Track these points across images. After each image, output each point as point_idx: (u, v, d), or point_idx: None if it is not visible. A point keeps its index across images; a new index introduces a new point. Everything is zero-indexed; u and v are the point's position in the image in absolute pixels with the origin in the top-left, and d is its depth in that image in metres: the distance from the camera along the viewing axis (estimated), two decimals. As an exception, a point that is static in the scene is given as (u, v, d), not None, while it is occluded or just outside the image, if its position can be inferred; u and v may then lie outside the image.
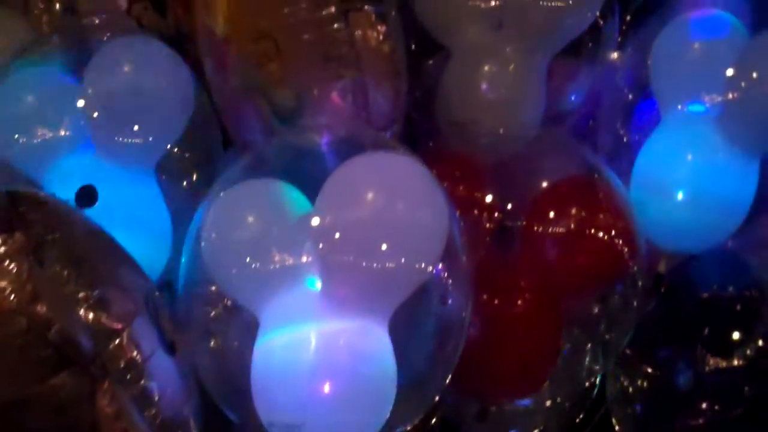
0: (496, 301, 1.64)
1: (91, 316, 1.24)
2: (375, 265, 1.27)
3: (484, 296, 1.64)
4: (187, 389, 1.36)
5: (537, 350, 1.64)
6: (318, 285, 1.31)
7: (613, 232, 1.60)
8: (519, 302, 1.64)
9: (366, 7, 1.43)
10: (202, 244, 1.38)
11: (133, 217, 1.58)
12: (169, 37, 1.77)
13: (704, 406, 1.72)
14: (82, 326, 1.20)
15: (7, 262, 1.20)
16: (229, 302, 1.40)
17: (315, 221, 1.30)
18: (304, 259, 1.31)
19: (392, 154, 1.38)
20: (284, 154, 1.44)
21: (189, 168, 1.63)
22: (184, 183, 1.64)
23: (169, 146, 1.61)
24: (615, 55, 1.88)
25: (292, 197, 1.36)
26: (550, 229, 1.63)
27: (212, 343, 1.40)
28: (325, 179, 1.32)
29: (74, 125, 1.59)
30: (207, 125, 1.61)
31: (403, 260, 1.28)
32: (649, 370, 1.78)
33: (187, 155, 1.63)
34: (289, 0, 1.44)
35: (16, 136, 1.57)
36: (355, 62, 1.43)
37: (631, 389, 1.78)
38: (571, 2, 1.66)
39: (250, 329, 1.35)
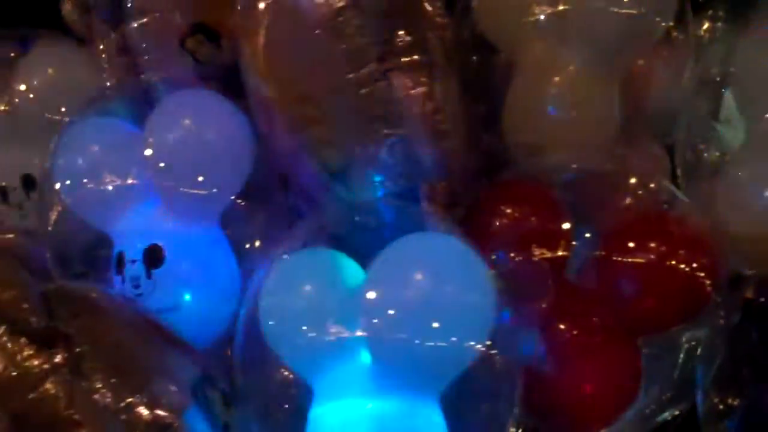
0: (574, 332, 1.68)
1: (139, 418, 1.39)
2: (426, 343, 1.37)
3: (561, 327, 1.68)
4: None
5: (612, 384, 1.68)
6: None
7: (695, 266, 1.63)
8: (595, 334, 1.66)
9: (407, 66, 1.44)
10: (260, 309, 1.52)
11: (202, 271, 1.72)
12: (228, 67, 1.83)
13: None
14: None
15: (52, 378, 1.39)
16: (285, 372, 1.51)
17: (369, 296, 1.42)
18: (359, 333, 1.42)
19: (441, 234, 1.50)
20: (341, 223, 1.56)
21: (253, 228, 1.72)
22: (247, 245, 1.74)
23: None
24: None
25: (348, 267, 1.50)
26: (628, 262, 1.67)
27: (270, 412, 1.51)
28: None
29: (141, 175, 1.73)
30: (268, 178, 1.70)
31: (453, 339, 1.39)
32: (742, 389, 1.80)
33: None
34: (327, 63, 1.53)
35: (85, 180, 1.74)
36: (398, 121, 1.47)
37: (722, 406, 1.82)
38: (643, 9, 1.66)
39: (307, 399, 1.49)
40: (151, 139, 1.72)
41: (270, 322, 1.52)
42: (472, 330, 1.42)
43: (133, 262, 1.70)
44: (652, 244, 1.69)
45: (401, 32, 1.52)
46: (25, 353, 1.38)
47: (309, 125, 1.57)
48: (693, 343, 1.78)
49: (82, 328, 1.40)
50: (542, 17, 1.72)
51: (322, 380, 1.49)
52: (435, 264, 1.44)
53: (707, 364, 1.79)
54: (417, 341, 1.40)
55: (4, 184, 2.03)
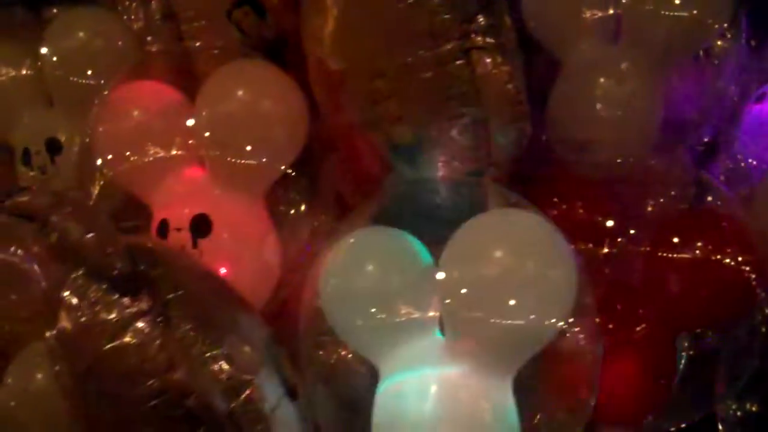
0: (610, 326, 1.69)
1: (221, 372, 1.36)
2: (503, 321, 1.36)
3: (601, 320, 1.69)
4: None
5: (648, 380, 1.73)
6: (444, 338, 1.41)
7: (742, 265, 1.66)
8: (635, 330, 1.68)
9: (489, 46, 1.44)
10: (324, 290, 1.48)
11: (247, 243, 1.69)
12: (270, 41, 1.82)
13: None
14: (215, 385, 1.31)
15: (136, 325, 1.33)
16: (344, 351, 1.48)
17: (443, 276, 1.40)
18: (431, 313, 1.40)
19: (520, 211, 1.47)
20: (408, 204, 1.53)
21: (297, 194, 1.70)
22: (292, 211, 1.71)
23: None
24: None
25: (416, 248, 1.46)
26: (675, 257, 1.69)
27: (332, 387, 1.49)
28: (446, 231, 1.43)
29: (185, 144, 1.70)
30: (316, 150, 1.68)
31: (531, 317, 1.37)
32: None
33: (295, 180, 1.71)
34: (406, 38, 1.52)
35: (128, 153, 1.69)
36: (476, 100, 1.48)
37: (740, 413, 1.87)
38: (695, 12, 1.66)
39: (370, 375, 1.46)
40: (205, 109, 1.69)
41: (335, 304, 1.50)
42: (551, 307, 1.40)
43: (179, 230, 1.66)
44: (699, 240, 1.71)
45: (482, 13, 1.50)
46: (105, 301, 1.34)
47: (380, 101, 1.55)
48: (692, 351, 1.80)
49: (166, 277, 1.36)
50: (594, 18, 1.72)
51: (389, 360, 1.46)
52: (516, 240, 1.43)
53: (735, 368, 1.81)
54: (493, 319, 1.37)
55: (26, 146, 1.94)
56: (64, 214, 1.34)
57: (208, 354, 1.35)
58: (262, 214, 1.73)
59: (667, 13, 1.71)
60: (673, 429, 1.99)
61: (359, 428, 1.47)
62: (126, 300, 1.34)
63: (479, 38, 1.51)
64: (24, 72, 2.01)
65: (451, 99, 1.54)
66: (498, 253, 1.42)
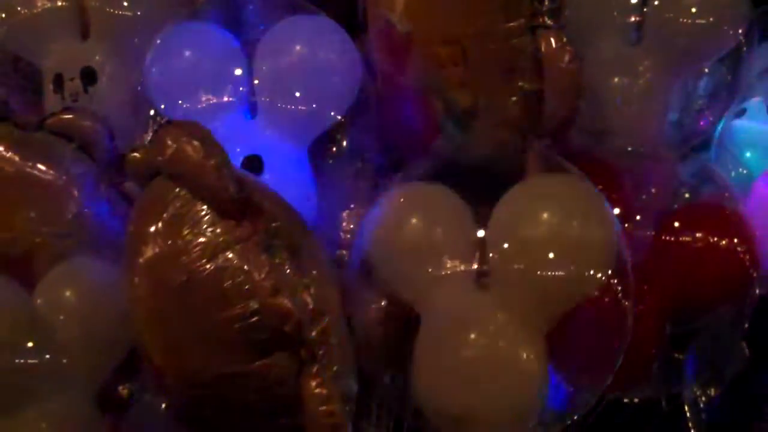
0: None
1: (306, 302, 1.43)
2: (545, 272, 1.50)
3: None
4: (354, 369, 1.57)
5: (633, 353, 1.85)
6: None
7: (742, 256, 1.86)
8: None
9: (554, 27, 1.58)
10: (373, 240, 1.61)
11: (292, 188, 1.73)
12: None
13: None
14: (306, 313, 1.38)
15: (234, 249, 1.38)
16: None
17: (483, 233, 1.54)
18: (474, 266, 1.53)
19: (565, 175, 1.62)
20: (454, 165, 1.66)
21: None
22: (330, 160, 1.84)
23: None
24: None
25: (460, 205, 1.60)
26: (680, 244, 1.88)
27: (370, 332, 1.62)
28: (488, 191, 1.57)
29: (236, 91, 1.76)
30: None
31: (572, 269, 1.52)
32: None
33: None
34: (482, 8, 1.63)
35: (180, 101, 1.76)
36: (536, 76, 1.61)
37: (704, 398, 2.06)
38: (711, 19, 1.85)
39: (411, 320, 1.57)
40: (266, 58, 1.76)
41: (383, 254, 1.61)
42: (591, 262, 1.54)
43: (230, 168, 1.70)
44: (701, 226, 1.91)
45: (548, -2, 1.65)
46: (206, 221, 1.40)
47: (446, 66, 1.66)
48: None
49: (267, 207, 1.44)
50: (620, 20, 1.90)
51: (433, 307, 1.58)
52: (560, 200, 1.57)
53: (705, 354, 2.01)
54: (536, 271, 1.51)
55: (60, 72, 1.96)
56: (182, 134, 1.38)
57: (300, 282, 1.42)
58: (306, 162, 1.79)
59: (685, 20, 1.87)
60: (626, 400, 2.14)
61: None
62: (229, 224, 1.39)
63: (545, 19, 1.63)
64: (60, 3, 1.99)
65: (513, 72, 1.66)
66: (542, 211, 1.56)
